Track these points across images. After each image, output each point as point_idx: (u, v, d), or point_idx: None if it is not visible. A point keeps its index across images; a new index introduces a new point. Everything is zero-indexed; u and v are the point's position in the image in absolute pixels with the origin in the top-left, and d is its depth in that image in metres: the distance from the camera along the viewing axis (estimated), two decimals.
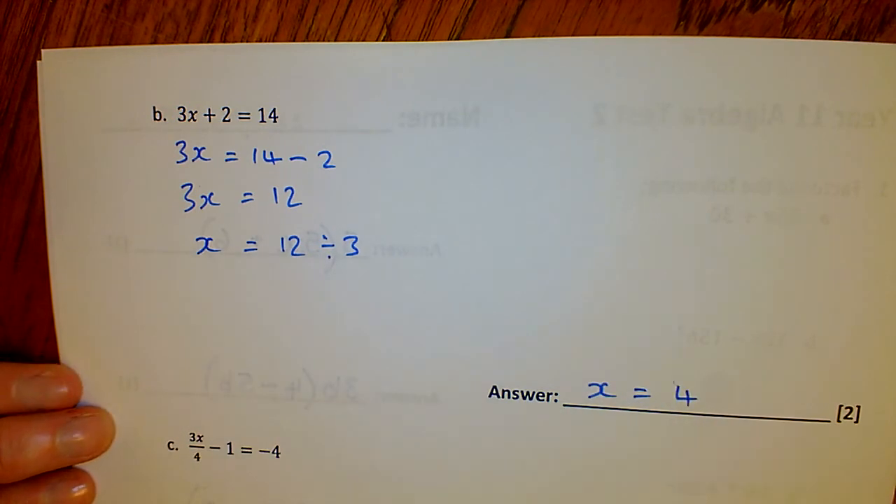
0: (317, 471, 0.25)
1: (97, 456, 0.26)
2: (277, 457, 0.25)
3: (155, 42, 0.24)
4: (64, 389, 0.25)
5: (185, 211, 0.24)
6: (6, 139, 0.25)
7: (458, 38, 0.23)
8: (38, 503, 0.25)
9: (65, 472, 0.26)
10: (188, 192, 0.24)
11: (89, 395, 0.26)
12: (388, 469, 0.25)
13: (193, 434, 0.26)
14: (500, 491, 0.25)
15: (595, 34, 0.23)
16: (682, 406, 0.23)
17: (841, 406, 0.23)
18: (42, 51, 0.24)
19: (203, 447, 0.26)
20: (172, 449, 0.26)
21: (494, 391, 0.24)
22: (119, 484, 0.26)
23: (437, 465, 0.25)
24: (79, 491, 0.26)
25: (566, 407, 0.24)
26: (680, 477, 0.24)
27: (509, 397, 0.24)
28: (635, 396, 0.24)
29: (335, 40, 0.24)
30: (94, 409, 0.26)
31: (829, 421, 0.23)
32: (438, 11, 0.23)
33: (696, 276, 0.23)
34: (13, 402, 0.24)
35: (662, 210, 0.22)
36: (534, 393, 0.24)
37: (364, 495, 0.25)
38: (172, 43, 0.24)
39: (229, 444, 0.26)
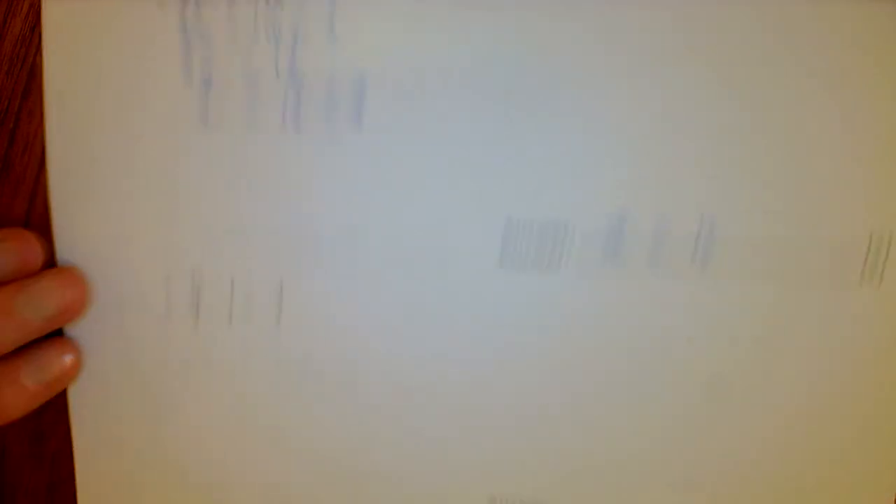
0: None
1: (69, 319, 0.24)
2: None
3: None
4: (27, 254, 0.24)
5: None
6: (6, 139, 0.25)
7: None
8: (21, 380, 0.23)
9: (46, 341, 0.25)
10: None
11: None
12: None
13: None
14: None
15: None
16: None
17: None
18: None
19: None
20: None
21: None
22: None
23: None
24: (64, 361, 0.25)
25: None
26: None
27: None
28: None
29: None
30: (58, 269, 0.24)
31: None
32: None
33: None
34: None
35: None
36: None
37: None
38: None
39: None
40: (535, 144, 0.22)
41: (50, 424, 0.27)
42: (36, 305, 0.23)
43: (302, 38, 0.22)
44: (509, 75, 0.22)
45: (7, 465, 0.28)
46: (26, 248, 0.24)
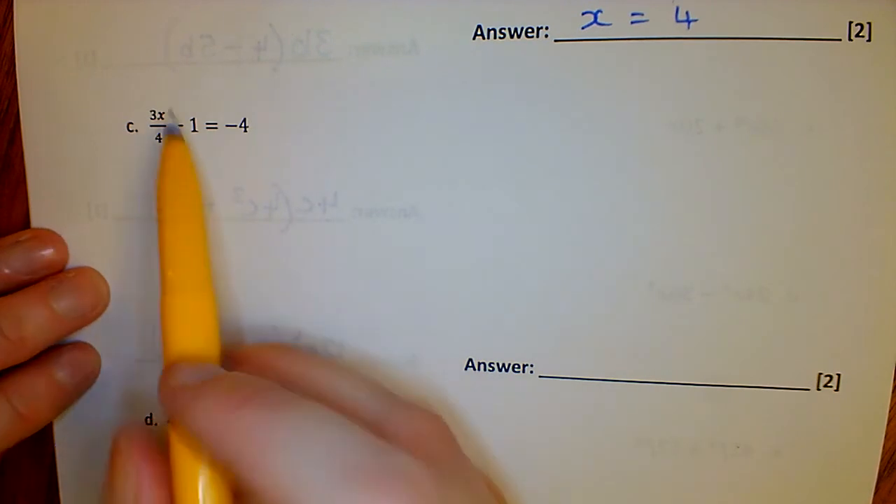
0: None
1: (99, 313, 0.25)
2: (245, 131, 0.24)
3: None
4: (49, 251, 0.25)
5: None
6: (6, 139, 0.26)
7: None
8: (55, 376, 0.24)
9: (69, 345, 0.25)
10: None
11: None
12: None
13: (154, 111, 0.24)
14: None
15: None
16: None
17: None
18: None
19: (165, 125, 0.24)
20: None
21: None
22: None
23: None
24: (92, 360, 0.25)
25: None
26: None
27: None
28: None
29: None
30: (79, 268, 0.25)
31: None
32: None
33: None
34: (2, 274, 0.24)
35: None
36: None
37: None
38: None
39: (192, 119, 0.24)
40: None
41: (50, 424, 0.27)
42: (71, 302, 0.24)
43: None
44: None
45: (7, 465, 0.28)
46: (52, 247, 0.25)
